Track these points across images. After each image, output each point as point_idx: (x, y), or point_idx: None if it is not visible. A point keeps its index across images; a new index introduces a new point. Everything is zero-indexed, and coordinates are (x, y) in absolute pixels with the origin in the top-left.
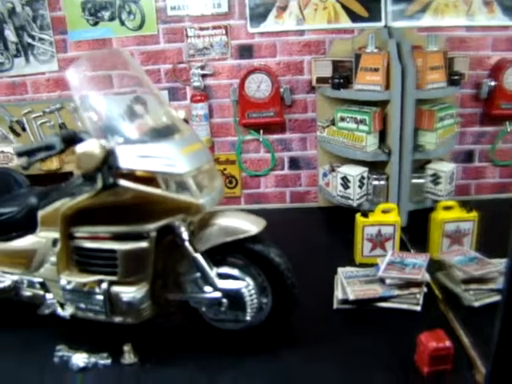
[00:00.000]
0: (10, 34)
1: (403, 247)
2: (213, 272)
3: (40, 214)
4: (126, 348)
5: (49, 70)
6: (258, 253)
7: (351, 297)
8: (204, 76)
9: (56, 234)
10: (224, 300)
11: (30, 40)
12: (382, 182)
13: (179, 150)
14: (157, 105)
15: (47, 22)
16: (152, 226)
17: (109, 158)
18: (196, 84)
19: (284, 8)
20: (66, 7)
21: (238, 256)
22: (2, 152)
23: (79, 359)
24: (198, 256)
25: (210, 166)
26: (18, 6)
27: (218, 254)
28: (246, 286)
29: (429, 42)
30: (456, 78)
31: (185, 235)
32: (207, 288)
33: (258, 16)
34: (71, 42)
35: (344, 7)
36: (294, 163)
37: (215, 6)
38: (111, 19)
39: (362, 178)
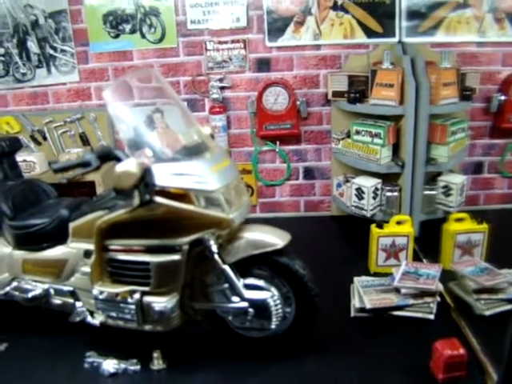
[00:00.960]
0: (32, 46)
1: (415, 256)
2: (240, 283)
3: (71, 225)
4: (155, 354)
5: (70, 80)
6: (284, 265)
7: (368, 305)
8: (222, 88)
9: (87, 245)
10: (250, 309)
11: (52, 51)
12: (395, 194)
13: (210, 167)
14: (188, 123)
15: (69, 34)
16: (184, 240)
17: (145, 175)
18: (215, 96)
19: (301, 23)
20: (88, 20)
21: (263, 267)
22: (25, 161)
23: (110, 365)
24: (227, 268)
25: (238, 182)
26: (41, 19)
27: (244, 266)
28: (271, 296)
29: (442, 59)
30: (467, 93)
31: (214, 248)
32: (235, 298)
33: (276, 30)
34: (92, 54)
35: (360, 23)
36: (309, 173)
37: (234, 21)
38: (132, 32)
39: (376, 189)
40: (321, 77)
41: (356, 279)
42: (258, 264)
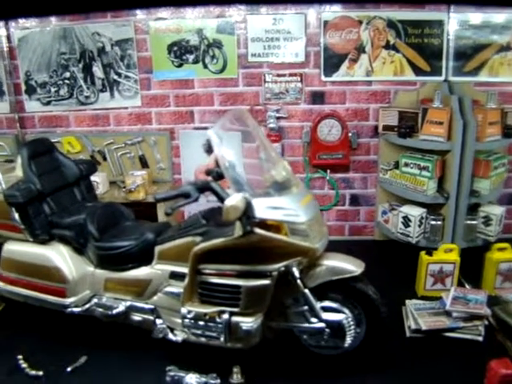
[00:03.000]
0: (97, 71)
1: (458, 282)
2: (318, 305)
3: (158, 248)
4: (235, 369)
5: (132, 105)
6: (360, 290)
7: (424, 327)
8: (278, 118)
9: (173, 268)
10: (327, 330)
11: (116, 77)
12: (439, 222)
13: (299, 201)
14: (276, 160)
15: (134, 62)
16: (275, 267)
17: (247, 209)
18: (272, 125)
19: (355, 60)
20: (153, 49)
21: (337, 291)
22: None
23: (192, 379)
24: (307, 291)
25: (319, 215)
26: (108, 46)
27: (320, 290)
28: (346, 317)
29: (488, 99)
30: (509, 130)
31: (297, 273)
32: (313, 319)
33: (332, 66)
34: (155, 81)
35: (409, 62)
36: (355, 200)
37: (293, 56)
38: (195, 62)
39: (422, 217)
40: (370, 110)
41: (408, 302)
42: (334, 288)
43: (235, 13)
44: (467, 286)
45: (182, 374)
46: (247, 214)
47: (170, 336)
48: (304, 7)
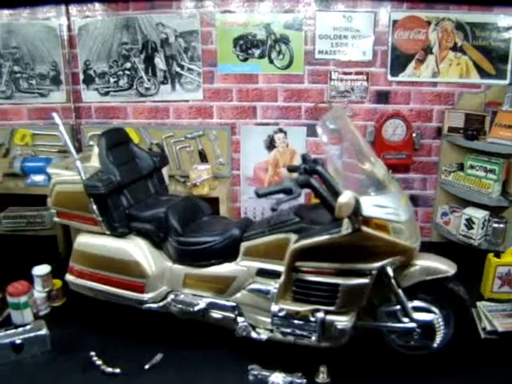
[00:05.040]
0: (159, 62)
1: None
2: (409, 305)
3: (245, 245)
4: (322, 368)
5: (193, 98)
6: (451, 290)
7: (500, 329)
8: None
9: (260, 264)
10: (418, 330)
11: (178, 69)
12: (502, 225)
13: (399, 200)
14: (374, 158)
15: (198, 54)
16: (375, 265)
17: (357, 207)
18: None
19: (422, 61)
20: (219, 42)
21: (427, 291)
22: None
23: (278, 378)
24: (400, 291)
25: (414, 215)
26: (172, 37)
27: (411, 290)
28: (436, 317)
29: None
30: None
31: (391, 273)
32: (404, 319)
33: (398, 66)
34: (218, 75)
35: (475, 64)
36: (413, 201)
37: (360, 54)
38: (261, 57)
39: (485, 220)
40: (434, 112)
41: (479, 304)
42: (424, 288)
43: (304, 9)
44: None
45: (266, 373)
46: (355, 211)
47: (253, 334)
48: (374, 6)
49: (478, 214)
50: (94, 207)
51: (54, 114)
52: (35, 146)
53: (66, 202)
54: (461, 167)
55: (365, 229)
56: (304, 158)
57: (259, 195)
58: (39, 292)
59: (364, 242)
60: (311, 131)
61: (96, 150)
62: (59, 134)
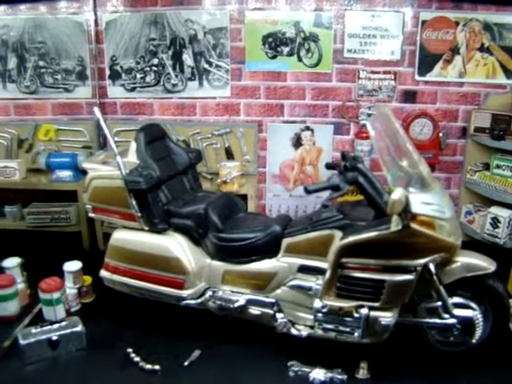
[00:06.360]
0: (187, 59)
1: None
2: (450, 301)
3: (286, 241)
4: (363, 364)
5: (221, 95)
6: (490, 287)
7: None
8: (370, 115)
9: (302, 261)
10: (458, 326)
11: (206, 66)
12: None
13: (443, 198)
14: (417, 157)
15: (226, 51)
16: (420, 262)
17: (406, 204)
18: (364, 122)
19: (449, 61)
20: (248, 39)
21: (466, 287)
22: None
23: (320, 374)
24: (442, 288)
25: (455, 212)
26: (200, 34)
27: (450, 286)
28: (476, 314)
29: None
30: None
31: (433, 269)
32: (445, 315)
33: (426, 66)
34: (247, 72)
35: (502, 65)
36: None
37: (389, 54)
38: (289, 55)
39: (510, 219)
40: (460, 112)
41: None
42: (463, 284)
43: (334, 7)
44: None
45: (306, 370)
46: (404, 208)
47: (293, 331)
48: (403, 5)
49: (504, 213)
50: (134, 203)
51: (95, 109)
52: (59, 142)
53: (103, 198)
54: (486, 167)
55: (414, 226)
56: (344, 156)
57: (309, 191)
58: (70, 288)
59: (411, 239)
60: (338, 129)
61: (133, 145)
62: (102, 128)
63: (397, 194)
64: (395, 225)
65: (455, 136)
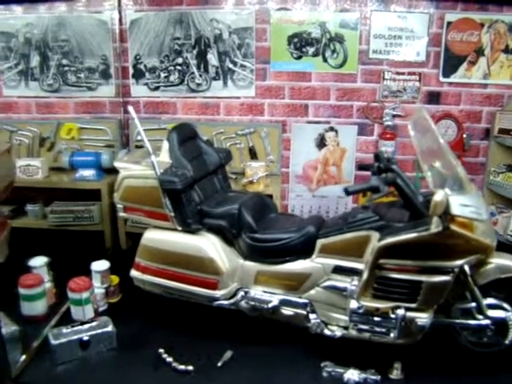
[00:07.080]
0: (212, 58)
1: None
2: (484, 302)
3: (321, 242)
4: (397, 365)
5: (245, 95)
6: None
7: None
8: (394, 116)
9: (337, 262)
10: (492, 327)
11: (231, 65)
12: None
13: (480, 200)
14: (454, 159)
15: (251, 51)
16: (458, 263)
17: (447, 205)
18: (388, 123)
19: (474, 63)
20: (273, 39)
21: (499, 289)
22: None
23: (354, 374)
24: (476, 289)
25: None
26: (226, 33)
27: (484, 287)
28: (509, 315)
29: None
30: None
31: (468, 271)
32: (479, 316)
33: (450, 67)
34: (271, 72)
35: None
36: None
37: (414, 55)
38: (315, 55)
39: None
40: (483, 113)
41: None
42: (496, 286)
43: (360, 8)
44: None
45: (340, 370)
46: (445, 210)
47: (326, 331)
48: (429, 7)
49: None
50: (168, 203)
51: (130, 108)
52: (81, 140)
53: (135, 197)
54: (510, 168)
55: (453, 227)
56: (377, 157)
57: (349, 193)
58: (98, 288)
59: (450, 241)
60: (362, 130)
61: (166, 144)
62: (137, 126)
63: (439, 195)
64: (435, 226)
65: (478, 137)
